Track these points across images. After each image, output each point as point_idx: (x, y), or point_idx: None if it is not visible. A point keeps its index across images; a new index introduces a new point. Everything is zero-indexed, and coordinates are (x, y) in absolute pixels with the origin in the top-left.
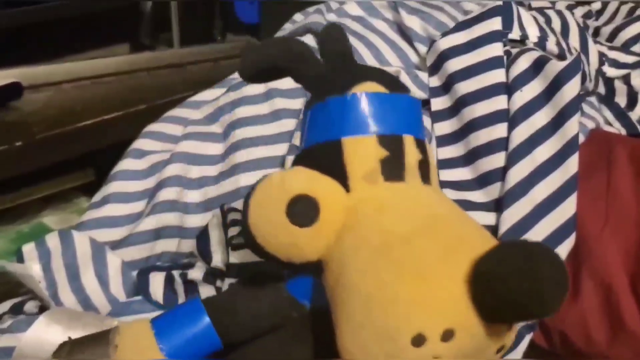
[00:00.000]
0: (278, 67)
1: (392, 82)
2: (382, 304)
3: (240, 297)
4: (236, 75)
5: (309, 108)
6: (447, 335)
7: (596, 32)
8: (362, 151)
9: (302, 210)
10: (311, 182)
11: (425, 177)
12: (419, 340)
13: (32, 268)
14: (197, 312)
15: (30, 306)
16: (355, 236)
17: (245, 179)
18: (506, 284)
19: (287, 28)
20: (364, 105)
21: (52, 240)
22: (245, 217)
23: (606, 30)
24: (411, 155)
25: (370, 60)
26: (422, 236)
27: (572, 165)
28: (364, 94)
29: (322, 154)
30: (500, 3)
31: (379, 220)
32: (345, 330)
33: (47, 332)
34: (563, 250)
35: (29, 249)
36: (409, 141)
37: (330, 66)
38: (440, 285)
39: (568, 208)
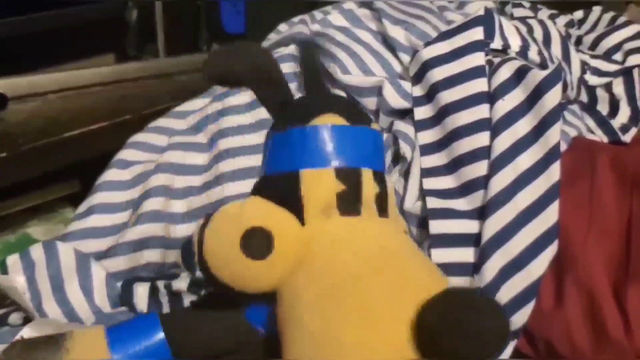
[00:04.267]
0: (242, 82)
1: (354, 113)
2: (327, 344)
3: (197, 317)
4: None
5: (270, 135)
6: None
7: (578, 41)
8: (319, 184)
9: (256, 243)
10: (266, 214)
11: (382, 210)
12: None
13: (16, 280)
14: (153, 327)
15: (15, 318)
16: (307, 273)
17: (230, 189)
18: (448, 335)
19: (272, 38)
20: (324, 137)
21: (37, 252)
22: (200, 247)
23: (588, 39)
24: (368, 188)
25: (354, 70)
26: (371, 275)
27: (554, 173)
28: (324, 127)
29: (280, 184)
30: (482, 13)
31: (331, 256)
32: None
33: None
34: (546, 257)
35: (13, 260)
36: (367, 175)
37: (288, 90)
38: (385, 329)
39: (551, 215)
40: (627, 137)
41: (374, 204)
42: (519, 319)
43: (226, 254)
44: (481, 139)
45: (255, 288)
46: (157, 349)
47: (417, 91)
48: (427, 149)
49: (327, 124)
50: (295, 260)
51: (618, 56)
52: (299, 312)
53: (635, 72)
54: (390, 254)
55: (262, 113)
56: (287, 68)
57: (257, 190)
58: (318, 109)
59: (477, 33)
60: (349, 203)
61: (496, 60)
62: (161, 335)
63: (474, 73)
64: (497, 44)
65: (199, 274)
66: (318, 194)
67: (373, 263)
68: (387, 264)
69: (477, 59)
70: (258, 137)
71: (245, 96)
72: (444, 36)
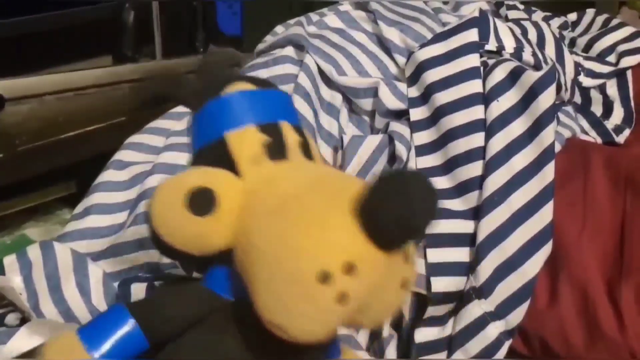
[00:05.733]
0: (164, 98)
1: (260, 81)
2: (284, 254)
3: (161, 296)
4: None
5: (191, 119)
6: (349, 268)
7: (572, 43)
8: (245, 140)
9: (201, 201)
10: (204, 175)
11: (307, 154)
12: (323, 277)
13: (13, 280)
14: (122, 316)
15: (12, 318)
16: (252, 207)
17: None
18: (383, 206)
19: (269, 40)
20: (239, 101)
21: (33, 252)
22: (150, 220)
23: (582, 41)
24: (290, 137)
25: (350, 71)
26: (310, 191)
27: (548, 173)
28: (237, 92)
29: (211, 152)
30: (477, 15)
31: (270, 189)
32: (259, 291)
33: (28, 344)
34: (540, 257)
35: (10, 261)
36: (286, 126)
37: (203, 83)
38: (332, 225)
39: (545, 215)
40: (620, 138)
41: (299, 149)
42: (515, 318)
43: (174, 218)
44: (476, 139)
45: (209, 246)
46: (132, 336)
47: (413, 92)
48: (422, 150)
49: (238, 90)
50: (240, 211)
51: (612, 58)
52: (253, 240)
53: (629, 73)
54: (324, 176)
55: None
56: (284, 70)
57: (191, 165)
58: (225, 81)
59: (472, 35)
60: (276, 150)
61: (491, 61)
62: (132, 322)
63: (468, 74)
64: (491, 45)
65: (196, 274)
66: (246, 148)
67: (309, 182)
68: (322, 180)
69: (472, 60)
70: None
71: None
72: (439, 38)
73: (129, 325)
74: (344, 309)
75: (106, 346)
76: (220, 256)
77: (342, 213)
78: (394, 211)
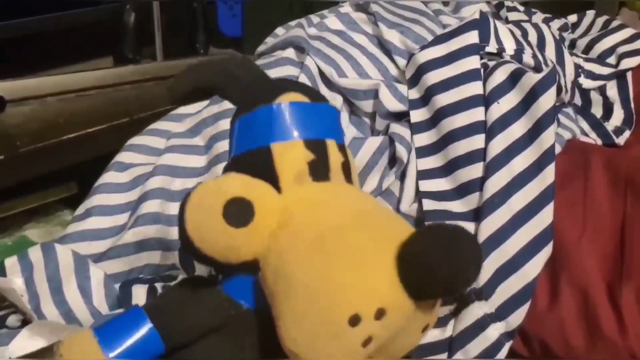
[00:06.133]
0: (212, 86)
1: (312, 92)
2: (320, 291)
3: (180, 300)
4: None
5: (235, 119)
6: (380, 314)
7: (572, 45)
8: (290, 155)
9: (238, 212)
10: (245, 185)
11: (347, 177)
12: (355, 320)
13: (15, 282)
14: (140, 319)
15: (13, 320)
16: (290, 232)
17: None
18: (430, 262)
19: (269, 42)
20: (290, 113)
21: (35, 254)
22: (182, 222)
23: (582, 43)
24: (335, 157)
25: (350, 73)
26: (353, 227)
27: (549, 175)
28: (289, 103)
29: (253, 159)
30: (477, 17)
31: (312, 216)
32: (287, 320)
33: (30, 346)
34: (541, 258)
35: (11, 262)
36: (332, 145)
37: (252, 81)
38: (371, 269)
39: (545, 217)
40: (620, 140)
41: (341, 171)
42: (515, 319)
43: (209, 225)
44: (476, 141)
45: (239, 257)
46: (148, 339)
47: (413, 94)
48: (423, 152)
49: (291, 100)
50: (275, 227)
51: (612, 59)
52: (288, 268)
53: (629, 75)
54: (368, 211)
55: None
56: (285, 71)
57: (229, 170)
58: (280, 89)
59: (472, 37)
60: (319, 170)
61: (491, 63)
62: (149, 325)
63: (469, 76)
64: (492, 47)
65: (197, 275)
66: (290, 164)
67: (353, 215)
68: (366, 219)
69: (473, 62)
70: None
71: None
72: (439, 40)
73: (146, 329)
74: (366, 351)
75: (122, 348)
76: (245, 265)
77: (384, 257)
78: (441, 269)
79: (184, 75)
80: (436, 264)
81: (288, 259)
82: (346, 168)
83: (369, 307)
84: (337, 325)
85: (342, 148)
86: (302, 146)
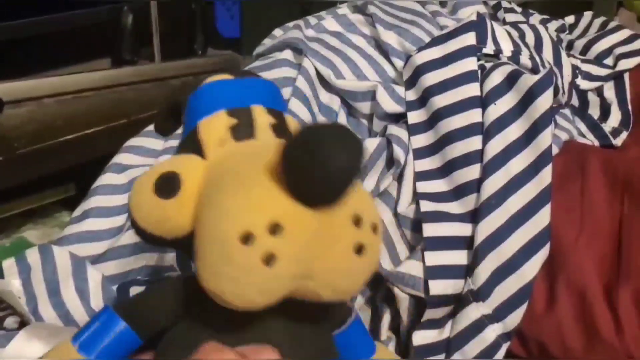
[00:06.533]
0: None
1: (241, 72)
2: (213, 223)
3: (146, 294)
4: None
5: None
6: (275, 229)
7: (570, 46)
8: (212, 124)
9: (166, 184)
10: (173, 161)
11: (281, 136)
12: (246, 238)
13: (12, 283)
14: (111, 318)
15: (10, 322)
16: (203, 184)
17: None
18: (301, 162)
19: (267, 43)
20: (212, 90)
21: (32, 255)
22: (129, 206)
23: (579, 44)
24: (262, 119)
25: (348, 75)
26: (245, 161)
27: (546, 176)
28: (210, 83)
29: (186, 142)
30: (475, 19)
31: (222, 165)
32: (199, 267)
33: (27, 348)
34: (538, 259)
35: (8, 264)
36: (258, 109)
37: None
38: (256, 186)
39: (542, 218)
40: (618, 141)
41: (270, 130)
42: (513, 320)
43: (144, 201)
44: (473, 143)
45: (176, 229)
46: (125, 337)
47: (410, 96)
48: (420, 153)
49: (214, 80)
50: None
51: (609, 60)
52: (198, 217)
53: (626, 76)
54: (267, 146)
55: None
56: (282, 73)
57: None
58: (209, 77)
59: (470, 38)
60: (242, 131)
61: (488, 65)
62: (122, 323)
63: (466, 78)
64: (489, 49)
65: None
66: (213, 132)
67: (250, 155)
68: (260, 151)
69: (470, 63)
70: None
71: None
72: (436, 41)
73: (120, 326)
74: (275, 271)
75: (102, 350)
76: (189, 240)
77: (266, 173)
78: (308, 167)
79: (162, 108)
80: (304, 163)
81: (198, 207)
82: (279, 127)
83: (258, 221)
84: (230, 247)
85: (273, 112)
86: (224, 115)
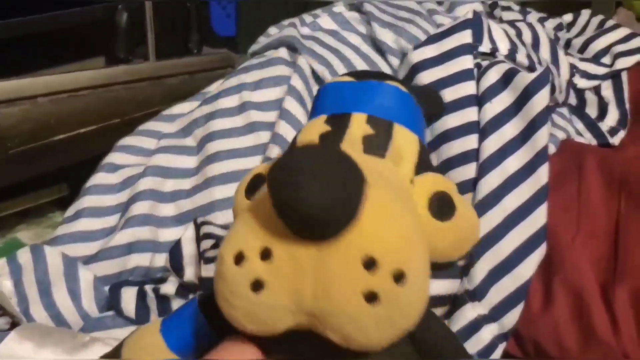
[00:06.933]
0: None
1: (363, 74)
2: (225, 240)
3: None
4: (210, 88)
5: None
6: (265, 254)
7: (567, 44)
8: (309, 131)
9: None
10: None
11: (372, 149)
12: (239, 258)
13: (3, 284)
14: (195, 312)
15: (1, 322)
16: None
17: (220, 192)
18: (277, 194)
19: (262, 41)
20: (327, 92)
21: (24, 256)
22: None
23: (577, 42)
24: (357, 130)
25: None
26: None
27: (542, 175)
28: (326, 85)
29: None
30: (471, 17)
31: None
32: None
33: (18, 349)
34: (534, 259)
35: (0, 265)
36: (359, 118)
37: None
38: (257, 214)
39: (539, 218)
40: (615, 140)
41: (360, 142)
42: (509, 320)
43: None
44: (470, 141)
45: None
46: (202, 331)
47: None
48: None
49: (333, 81)
50: None
51: (607, 59)
52: None
53: (624, 75)
54: None
55: (252, 116)
56: (277, 71)
57: None
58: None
59: (466, 36)
60: (329, 141)
61: (484, 63)
62: (202, 318)
63: (462, 76)
64: (485, 47)
65: (187, 277)
66: (305, 137)
67: None
68: None
69: (466, 62)
70: (248, 140)
71: (234, 99)
72: (432, 39)
73: (200, 322)
74: (263, 299)
75: (181, 340)
76: None
77: (264, 197)
78: (282, 199)
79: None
80: (279, 194)
81: None
82: (373, 141)
83: (251, 244)
84: (224, 265)
85: (376, 122)
86: (322, 121)
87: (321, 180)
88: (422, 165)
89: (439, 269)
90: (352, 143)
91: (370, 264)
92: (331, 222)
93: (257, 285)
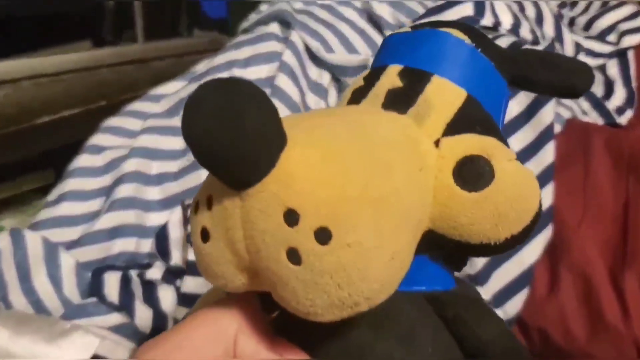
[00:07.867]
0: None
1: (419, 25)
2: None
3: None
4: (197, 68)
5: None
6: (209, 203)
7: (571, 22)
8: (352, 85)
9: None
10: None
11: (393, 104)
12: (196, 207)
13: None
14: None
15: None
16: None
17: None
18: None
19: (253, 18)
20: (380, 47)
21: (3, 241)
22: None
23: (581, 20)
24: (385, 82)
25: (338, 49)
26: None
27: (547, 154)
28: (385, 38)
29: None
30: None
31: None
32: None
33: None
34: (539, 243)
35: None
36: (391, 70)
37: None
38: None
39: (544, 199)
40: (622, 119)
41: (382, 97)
42: (512, 307)
43: None
44: None
45: None
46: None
47: None
48: None
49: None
50: None
51: (612, 37)
52: None
53: (630, 53)
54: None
55: None
56: (268, 47)
57: None
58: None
59: (467, 9)
60: (357, 97)
61: None
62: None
63: None
64: (487, 20)
65: (173, 262)
66: (347, 91)
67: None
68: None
69: None
70: None
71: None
72: (431, 12)
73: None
74: (209, 249)
75: None
76: None
77: None
78: (185, 136)
79: None
80: (194, 135)
81: None
82: (399, 95)
83: (202, 192)
84: (191, 214)
85: (409, 74)
86: (362, 76)
87: (214, 115)
88: (464, 124)
89: (487, 254)
90: (375, 97)
91: (291, 217)
92: (231, 161)
93: (205, 235)
